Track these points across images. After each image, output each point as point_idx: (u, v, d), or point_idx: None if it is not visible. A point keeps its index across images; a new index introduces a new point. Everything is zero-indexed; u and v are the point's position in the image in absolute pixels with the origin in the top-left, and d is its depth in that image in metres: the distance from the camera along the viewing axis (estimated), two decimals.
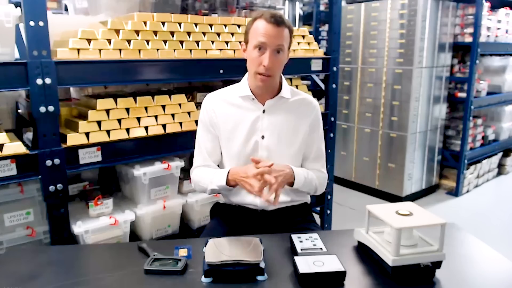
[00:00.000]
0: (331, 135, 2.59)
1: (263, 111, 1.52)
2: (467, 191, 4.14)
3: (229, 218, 1.59)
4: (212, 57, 2.02)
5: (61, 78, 1.56)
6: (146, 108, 1.85)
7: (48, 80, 1.52)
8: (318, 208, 2.77)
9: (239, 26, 2.15)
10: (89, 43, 1.68)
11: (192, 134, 1.65)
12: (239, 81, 1.59)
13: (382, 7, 3.71)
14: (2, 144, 1.48)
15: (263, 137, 1.52)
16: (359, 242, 1.26)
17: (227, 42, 2.09)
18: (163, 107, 1.91)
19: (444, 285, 1.09)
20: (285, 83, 1.57)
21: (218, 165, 1.61)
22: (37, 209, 1.66)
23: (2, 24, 1.47)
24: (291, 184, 1.47)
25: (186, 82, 2.47)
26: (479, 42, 3.79)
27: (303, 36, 2.46)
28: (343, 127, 4.19)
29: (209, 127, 1.56)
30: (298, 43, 2.42)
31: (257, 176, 1.32)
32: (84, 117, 1.73)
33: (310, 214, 1.67)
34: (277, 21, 1.40)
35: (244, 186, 1.37)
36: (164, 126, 1.90)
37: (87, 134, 1.68)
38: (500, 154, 4.65)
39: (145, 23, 1.83)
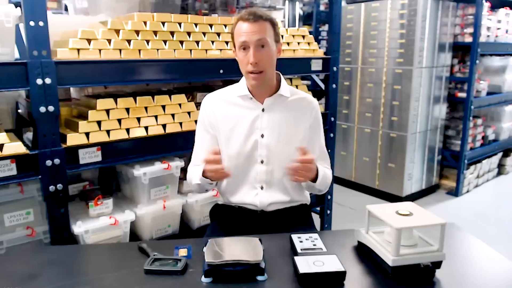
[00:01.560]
0: (331, 135, 2.59)
1: (263, 110, 1.53)
2: (467, 191, 4.13)
3: (229, 220, 1.59)
4: (212, 57, 2.02)
5: (61, 78, 1.56)
6: (146, 108, 1.85)
7: (48, 80, 1.52)
8: (318, 208, 2.77)
9: None
10: (89, 43, 1.68)
11: (192, 134, 1.65)
12: (238, 81, 1.60)
13: (382, 7, 3.71)
14: (2, 144, 1.48)
15: (262, 136, 1.52)
16: (359, 242, 1.26)
17: (227, 42, 2.09)
18: (163, 107, 1.91)
19: (444, 285, 1.09)
20: (283, 81, 1.57)
21: None
22: (37, 209, 1.66)
23: (2, 24, 1.47)
24: (314, 179, 1.47)
25: (186, 82, 2.47)
26: (479, 42, 3.79)
27: (303, 36, 2.46)
28: (343, 127, 4.19)
29: (207, 128, 1.57)
30: (298, 43, 2.42)
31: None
32: (84, 117, 1.73)
33: (309, 217, 1.67)
34: (253, 17, 1.41)
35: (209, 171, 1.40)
36: (164, 126, 1.90)
37: (87, 134, 1.68)
38: (500, 154, 4.65)
39: (145, 23, 1.83)
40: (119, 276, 1.13)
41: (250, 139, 1.52)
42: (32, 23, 1.47)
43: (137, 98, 1.83)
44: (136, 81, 1.87)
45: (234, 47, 1.49)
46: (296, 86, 2.35)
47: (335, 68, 2.54)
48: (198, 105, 1.98)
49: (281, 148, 1.52)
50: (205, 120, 1.57)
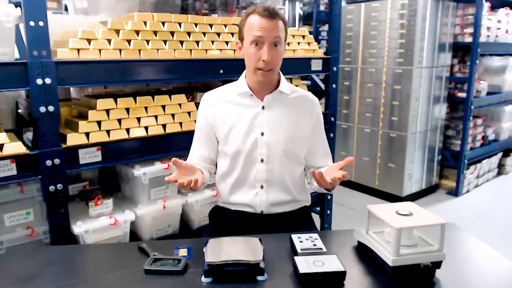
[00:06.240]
0: (331, 135, 2.59)
1: (262, 107, 1.52)
2: (467, 191, 4.13)
3: (228, 222, 1.58)
4: (212, 57, 2.02)
5: (61, 78, 1.56)
6: (146, 108, 1.85)
7: (48, 80, 1.52)
8: (318, 208, 2.76)
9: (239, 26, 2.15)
10: (89, 43, 1.68)
11: (192, 134, 1.65)
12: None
13: (382, 7, 3.71)
14: (2, 144, 1.48)
15: (262, 134, 1.51)
16: (359, 242, 1.26)
17: (227, 42, 2.09)
18: (163, 107, 1.91)
19: (444, 285, 1.09)
20: (283, 78, 1.56)
21: (215, 164, 1.63)
22: (37, 209, 1.66)
23: (2, 24, 1.47)
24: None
25: (186, 82, 2.46)
26: (479, 42, 3.79)
27: (303, 36, 2.46)
28: (343, 127, 4.19)
29: (205, 129, 1.56)
30: (298, 43, 2.42)
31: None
32: (84, 117, 1.73)
33: (310, 218, 1.66)
34: (271, 13, 1.39)
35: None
36: (164, 126, 1.90)
37: (87, 134, 1.68)
38: (500, 154, 4.65)
39: (145, 23, 1.83)
40: (119, 276, 1.13)
41: (249, 138, 1.50)
42: (32, 23, 1.47)
43: (137, 98, 1.83)
44: (136, 81, 1.87)
45: (241, 40, 1.47)
46: (296, 86, 2.34)
47: (335, 68, 2.54)
48: (198, 105, 1.97)
49: (282, 146, 1.51)
50: (203, 121, 1.56)
